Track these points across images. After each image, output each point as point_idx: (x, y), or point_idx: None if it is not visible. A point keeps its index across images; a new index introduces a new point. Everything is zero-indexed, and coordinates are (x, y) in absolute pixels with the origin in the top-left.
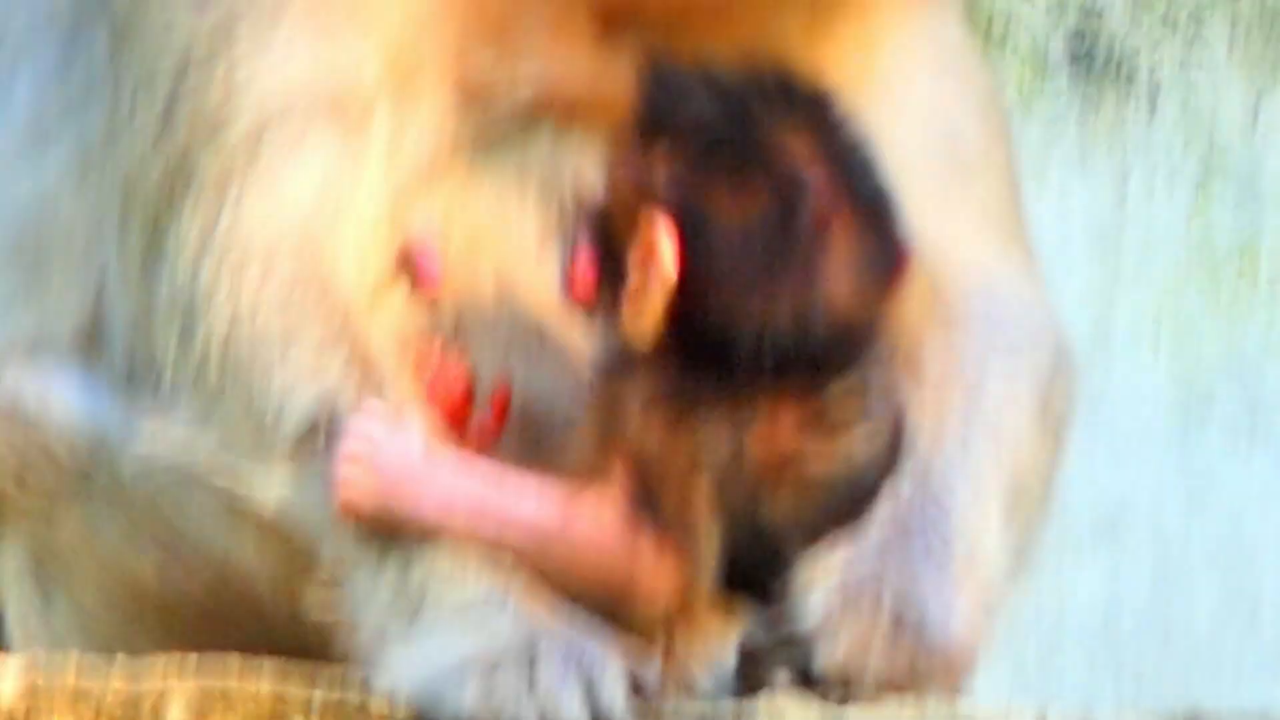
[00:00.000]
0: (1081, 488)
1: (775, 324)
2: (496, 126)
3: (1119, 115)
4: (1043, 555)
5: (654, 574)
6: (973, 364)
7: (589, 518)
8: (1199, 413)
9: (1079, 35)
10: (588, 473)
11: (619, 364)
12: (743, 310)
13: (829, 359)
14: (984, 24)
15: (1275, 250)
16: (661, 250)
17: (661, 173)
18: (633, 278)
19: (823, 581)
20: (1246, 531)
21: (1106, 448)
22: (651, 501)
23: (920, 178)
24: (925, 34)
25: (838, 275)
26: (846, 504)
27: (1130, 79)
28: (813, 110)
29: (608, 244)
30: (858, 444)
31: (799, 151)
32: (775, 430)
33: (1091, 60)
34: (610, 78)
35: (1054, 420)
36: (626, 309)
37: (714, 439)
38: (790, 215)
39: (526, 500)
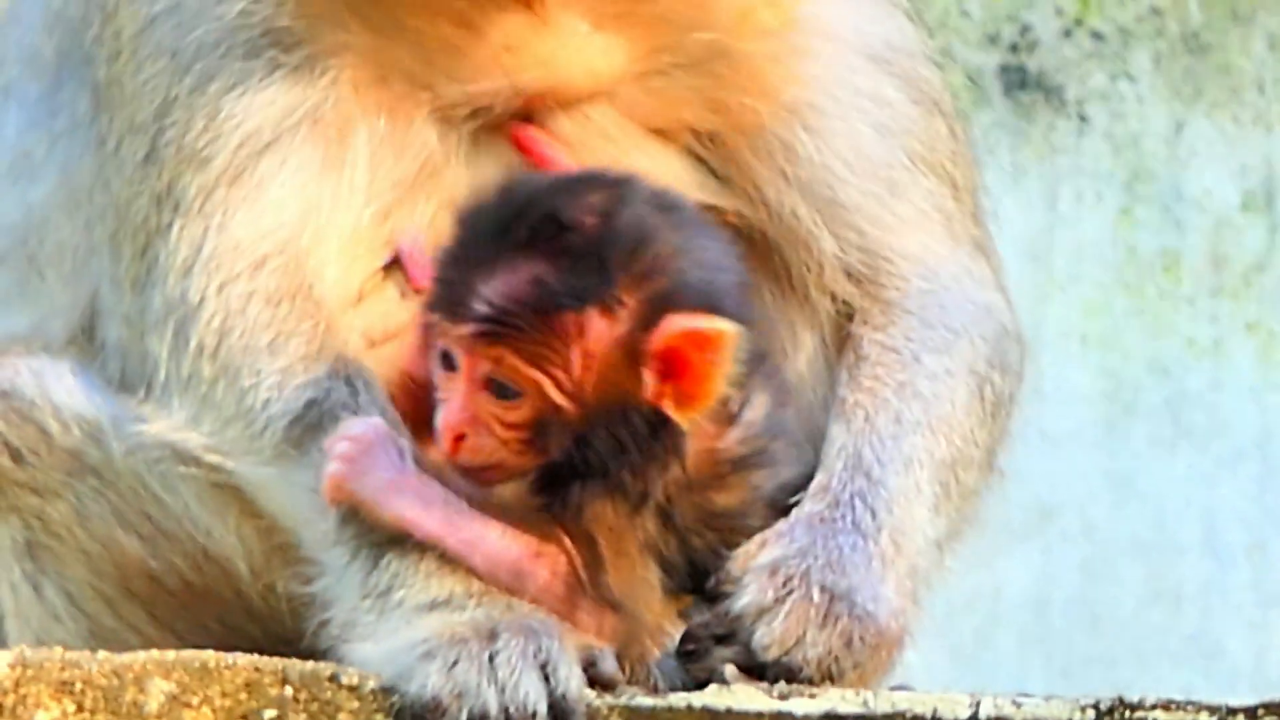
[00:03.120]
0: (1014, 482)
1: None
2: (471, 135)
3: (1050, 135)
4: (977, 546)
5: (592, 627)
6: (908, 349)
7: (543, 567)
8: (1124, 412)
9: (1012, 61)
10: (538, 535)
11: (559, 477)
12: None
13: None
14: None
15: (1195, 261)
16: (711, 328)
17: (623, 312)
18: (685, 390)
19: (753, 563)
20: (1169, 524)
21: (1038, 444)
22: (597, 567)
23: (863, 174)
24: (865, 30)
25: None
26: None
27: (1060, 102)
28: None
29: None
30: (739, 447)
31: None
32: (681, 476)
33: (1024, 84)
34: (565, 60)
35: (994, 399)
36: (684, 408)
37: (641, 506)
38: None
39: (492, 532)
